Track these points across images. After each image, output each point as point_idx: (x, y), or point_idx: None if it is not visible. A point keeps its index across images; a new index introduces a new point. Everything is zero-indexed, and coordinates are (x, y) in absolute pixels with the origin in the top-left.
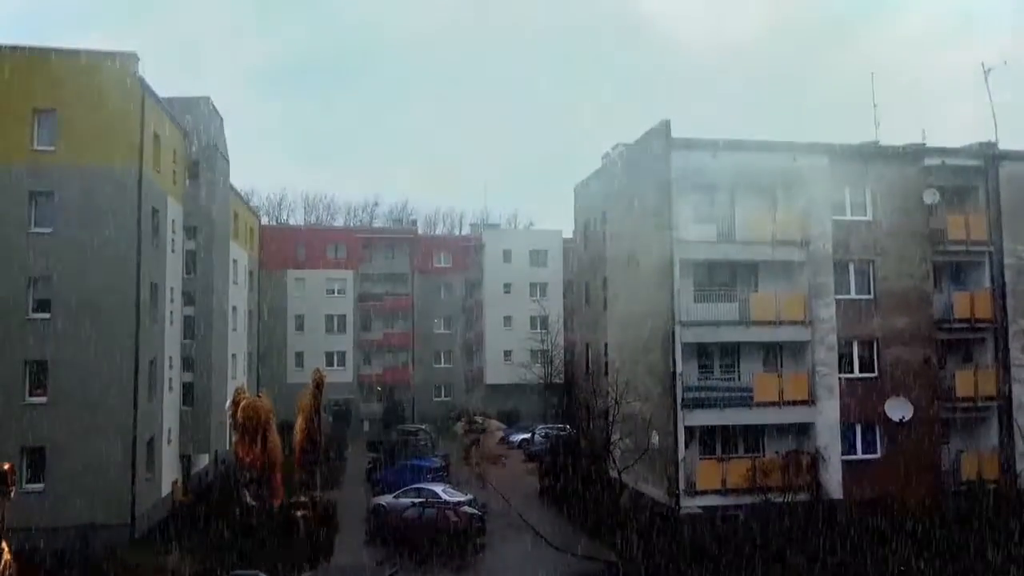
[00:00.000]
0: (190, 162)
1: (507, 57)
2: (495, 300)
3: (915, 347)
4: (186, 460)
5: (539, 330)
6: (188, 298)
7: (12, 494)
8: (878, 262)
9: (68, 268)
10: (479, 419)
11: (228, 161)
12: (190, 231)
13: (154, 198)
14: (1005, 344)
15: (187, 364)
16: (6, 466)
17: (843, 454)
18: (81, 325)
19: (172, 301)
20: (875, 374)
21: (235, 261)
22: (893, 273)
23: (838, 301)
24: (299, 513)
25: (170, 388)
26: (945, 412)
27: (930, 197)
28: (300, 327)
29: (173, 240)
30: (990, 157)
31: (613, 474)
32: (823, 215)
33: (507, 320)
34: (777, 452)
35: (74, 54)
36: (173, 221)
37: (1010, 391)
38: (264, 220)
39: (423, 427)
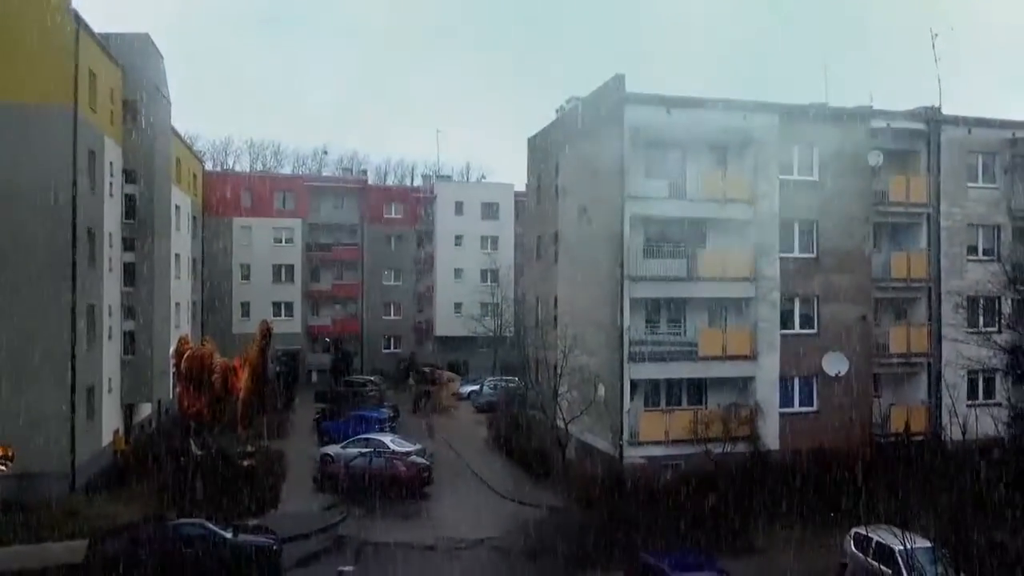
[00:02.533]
0: (129, 102)
1: (462, 6)
2: (446, 252)
3: (853, 305)
4: (128, 409)
5: (490, 283)
6: (128, 244)
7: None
8: (822, 222)
9: None
10: (427, 369)
11: (169, 102)
12: (129, 175)
13: (90, 139)
14: (938, 303)
15: (128, 312)
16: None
17: (781, 407)
18: (14, 270)
19: (111, 247)
20: (815, 330)
21: (177, 207)
22: (836, 233)
23: (782, 259)
24: (246, 462)
25: (110, 336)
26: (878, 367)
27: (874, 159)
28: (246, 276)
29: (111, 184)
30: (934, 121)
31: (560, 425)
32: (771, 175)
33: (458, 273)
34: (719, 404)
35: None
36: (111, 164)
37: (940, 348)
38: (208, 166)
39: (372, 378)
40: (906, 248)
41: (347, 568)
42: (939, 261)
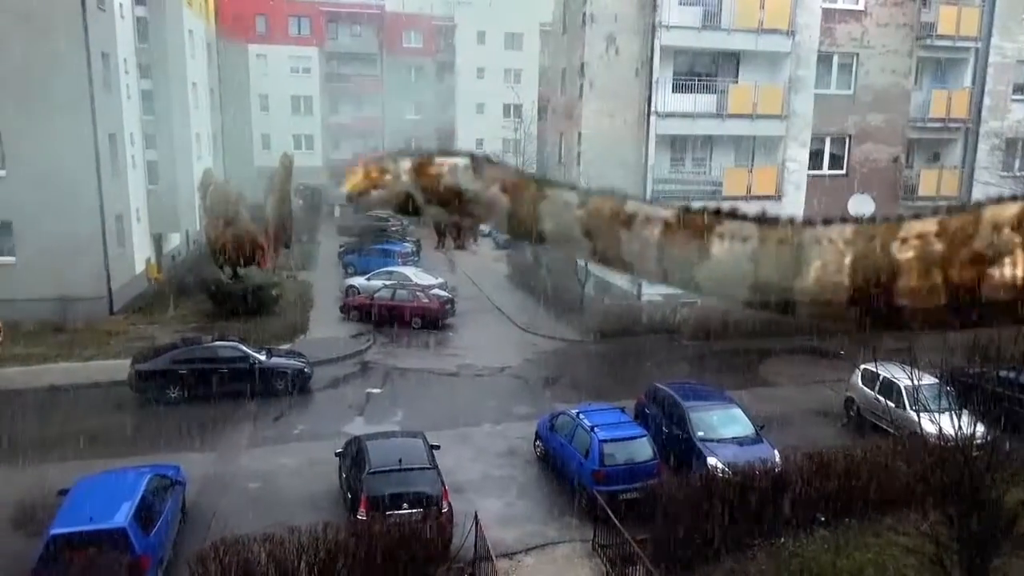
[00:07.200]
0: None
1: None
2: (467, 85)
3: (886, 145)
4: (157, 239)
5: (512, 118)
6: (144, 71)
7: None
8: (863, 55)
9: (6, 37)
10: None
11: None
12: None
13: None
14: (975, 144)
15: (150, 142)
16: None
17: None
18: (31, 95)
19: (127, 73)
20: (843, 171)
21: (191, 31)
22: (876, 68)
23: (817, 95)
24: (274, 292)
25: (134, 165)
26: (904, 211)
27: None
28: (265, 107)
29: (120, 4)
30: None
31: (580, 262)
32: (813, 2)
33: (480, 107)
34: None
35: None
36: None
37: (970, 191)
38: None
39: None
40: (950, 85)
41: (375, 390)
42: (981, 100)
